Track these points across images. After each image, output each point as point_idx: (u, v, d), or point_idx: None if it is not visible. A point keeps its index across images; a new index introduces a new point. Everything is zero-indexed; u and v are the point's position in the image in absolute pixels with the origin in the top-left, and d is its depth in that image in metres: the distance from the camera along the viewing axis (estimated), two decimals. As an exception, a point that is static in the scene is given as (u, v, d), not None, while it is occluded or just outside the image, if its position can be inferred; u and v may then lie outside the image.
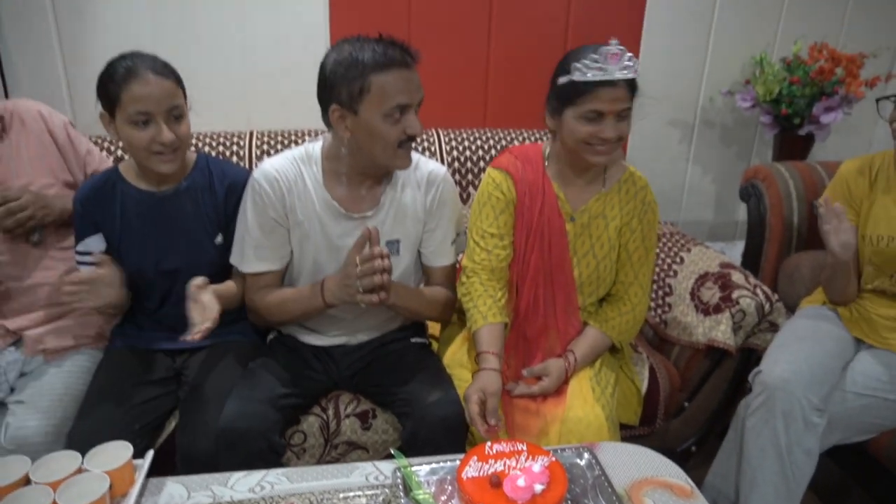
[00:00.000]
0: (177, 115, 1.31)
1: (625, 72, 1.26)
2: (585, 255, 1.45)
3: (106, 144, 1.86)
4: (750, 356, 1.67)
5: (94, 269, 1.32)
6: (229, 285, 1.44)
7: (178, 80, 1.33)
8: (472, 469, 1.00)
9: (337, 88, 1.25)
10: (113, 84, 1.26)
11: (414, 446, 1.25)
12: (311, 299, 1.37)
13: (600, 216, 1.45)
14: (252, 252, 1.40)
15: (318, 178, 1.39)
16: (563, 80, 1.30)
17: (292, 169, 1.39)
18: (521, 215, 1.44)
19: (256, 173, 1.38)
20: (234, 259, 1.45)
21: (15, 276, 1.42)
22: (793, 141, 2.30)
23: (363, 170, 1.38)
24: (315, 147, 1.42)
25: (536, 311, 1.46)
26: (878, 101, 1.44)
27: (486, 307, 1.40)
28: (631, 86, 1.30)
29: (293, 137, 1.98)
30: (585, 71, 1.27)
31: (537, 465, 0.99)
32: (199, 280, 1.30)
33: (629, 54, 1.28)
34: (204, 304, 1.27)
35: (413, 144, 1.35)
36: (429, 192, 1.45)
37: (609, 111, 1.28)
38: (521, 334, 1.47)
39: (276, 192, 1.37)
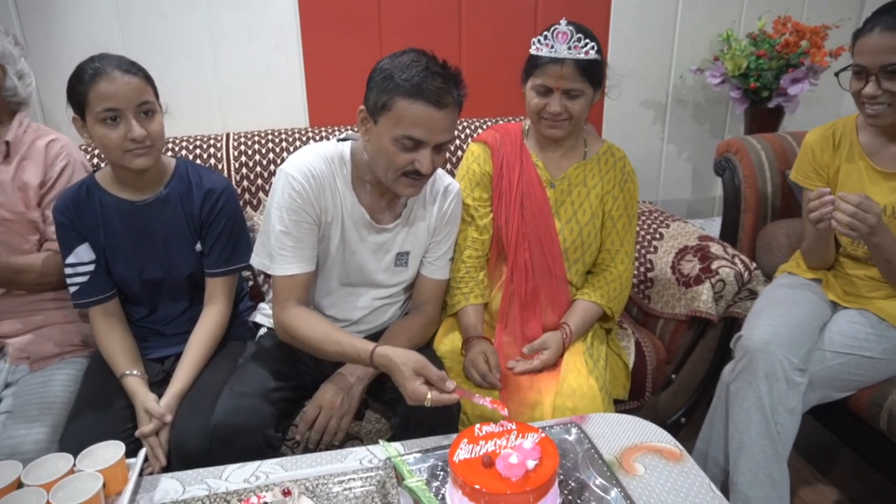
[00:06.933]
0: (146, 111, 1.29)
1: (572, 52, 1.33)
2: (569, 220, 1.51)
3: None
4: (732, 325, 1.70)
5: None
6: (204, 344, 1.39)
7: (147, 78, 1.31)
8: (464, 451, 0.97)
9: (370, 92, 1.25)
10: (81, 85, 1.25)
11: (407, 430, 1.26)
12: (358, 355, 1.25)
13: (581, 184, 1.51)
14: (289, 252, 1.31)
15: (349, 182, 1.38)
16: (530, 51, 1.40)
17: (326, 167, 1.35)
18: (498, 184, 1.51)
19: (289, 168, 1.32)
20: (257, 262, 1.36)
21: None
22: (763, 114, 2.33)
23: (380, 181, 1.35)
24: (345, 149, 1.39)
25: (525, 275, 1.51)
26: (836, 74, 1.46)
27: (468, 288, 1.49)
28: (582, 67, 1.34)
29: (270, 137, 1.97)
30: (539, 47, 1.37)
31: (528, 442, 0.97)
32: (146, 429, 1.24)
33: (580, 36, 1.33)
34: (155, 447, 1.24)
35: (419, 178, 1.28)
36: (442, 206, 1.46)
37: (555, 87, 1.36)
38: (513, 298, 1.51)
39: (314, 188, 1.32)
